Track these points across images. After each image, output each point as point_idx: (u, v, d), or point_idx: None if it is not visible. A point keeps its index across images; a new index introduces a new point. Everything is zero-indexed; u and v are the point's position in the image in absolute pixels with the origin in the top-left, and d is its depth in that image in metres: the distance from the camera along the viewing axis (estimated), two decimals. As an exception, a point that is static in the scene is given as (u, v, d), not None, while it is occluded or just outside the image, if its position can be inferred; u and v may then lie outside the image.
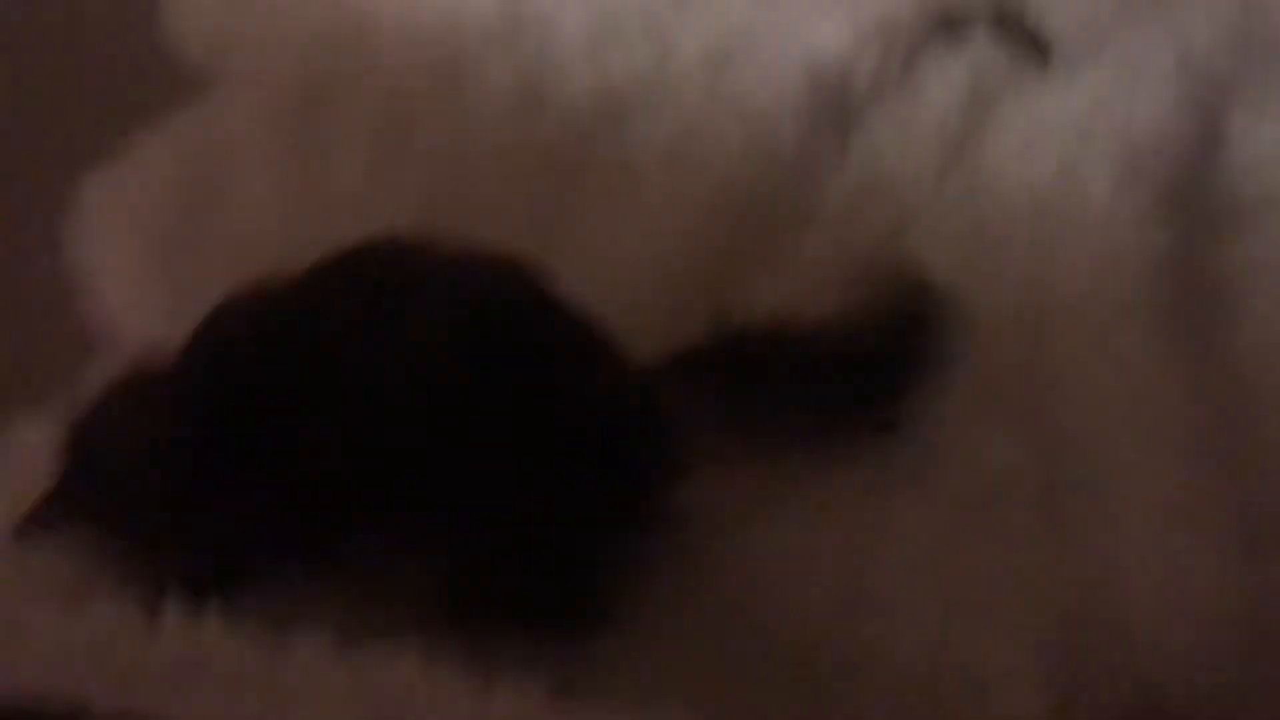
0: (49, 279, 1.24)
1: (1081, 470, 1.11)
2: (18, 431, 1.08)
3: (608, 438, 0.94)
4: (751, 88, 1.37)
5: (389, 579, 0.92)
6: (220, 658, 0.70)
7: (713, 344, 1.08)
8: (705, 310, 1.18)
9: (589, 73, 1.41)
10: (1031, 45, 1.45)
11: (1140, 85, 1.37)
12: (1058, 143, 1.34)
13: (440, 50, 1.44)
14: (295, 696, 0.68)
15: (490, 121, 1.38)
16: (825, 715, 0.96)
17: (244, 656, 0.71)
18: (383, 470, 0.89)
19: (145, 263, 1.25)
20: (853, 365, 1.08)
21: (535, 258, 1.11)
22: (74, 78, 1.45)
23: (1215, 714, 0.97)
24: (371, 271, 0.96)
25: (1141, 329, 1.17)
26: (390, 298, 0.93)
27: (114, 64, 1.46)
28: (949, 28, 1.47)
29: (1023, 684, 0.98)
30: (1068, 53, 1.44)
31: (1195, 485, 1.08)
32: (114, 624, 0.71)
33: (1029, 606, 1.03)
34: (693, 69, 1.41)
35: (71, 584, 0.77)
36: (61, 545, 0.92)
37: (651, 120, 1.37)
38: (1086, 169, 1.30)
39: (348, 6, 1.49)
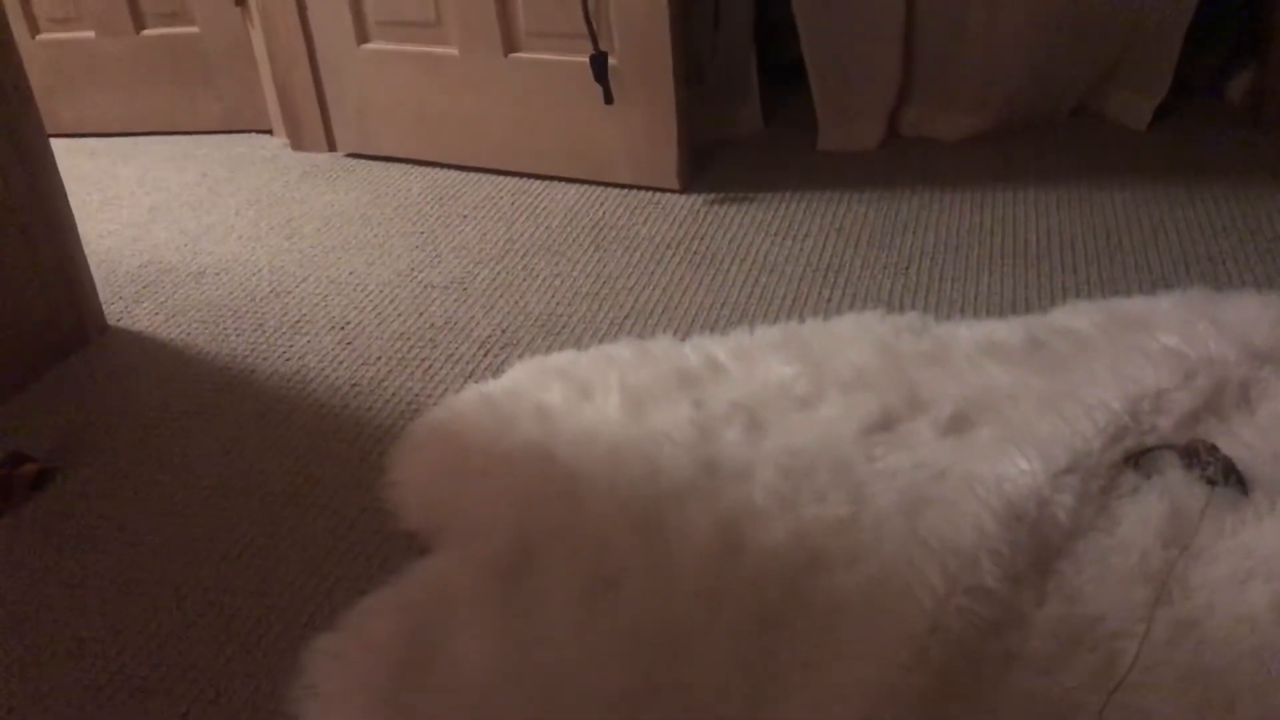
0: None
1: None
2: None
3: None
4: (949, 529, 1.40)
5: None
6: None
7: None
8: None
9: (786, 519, 1.47)
10: (1227, 472, 1.46)
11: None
12: (1271, 571, 1.31)
13: (643, 500, 1.53)
14: None
15: (693, 567, 1.43)
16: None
17: None
18: None
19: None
20: None
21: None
22: (304, 544, 1.57)
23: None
24: None
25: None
26: None
27: (337, 530, 1.59)
28: (1141, 461, 1.50)
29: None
30: (1266, 477, 1.43)
31: None
32: None
33: None
34: (889, 512, 1.46)
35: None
36: None
37: (851, 563, 1.40)
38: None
39: (555, 469, 1.62)
